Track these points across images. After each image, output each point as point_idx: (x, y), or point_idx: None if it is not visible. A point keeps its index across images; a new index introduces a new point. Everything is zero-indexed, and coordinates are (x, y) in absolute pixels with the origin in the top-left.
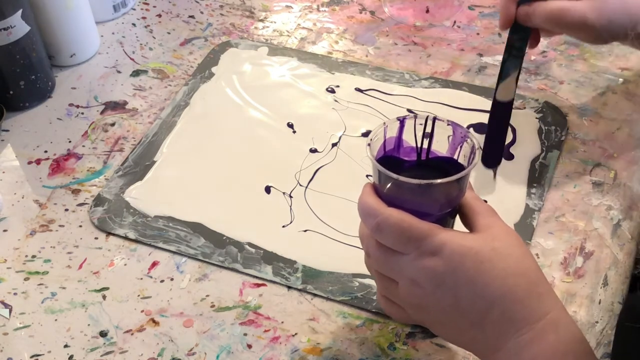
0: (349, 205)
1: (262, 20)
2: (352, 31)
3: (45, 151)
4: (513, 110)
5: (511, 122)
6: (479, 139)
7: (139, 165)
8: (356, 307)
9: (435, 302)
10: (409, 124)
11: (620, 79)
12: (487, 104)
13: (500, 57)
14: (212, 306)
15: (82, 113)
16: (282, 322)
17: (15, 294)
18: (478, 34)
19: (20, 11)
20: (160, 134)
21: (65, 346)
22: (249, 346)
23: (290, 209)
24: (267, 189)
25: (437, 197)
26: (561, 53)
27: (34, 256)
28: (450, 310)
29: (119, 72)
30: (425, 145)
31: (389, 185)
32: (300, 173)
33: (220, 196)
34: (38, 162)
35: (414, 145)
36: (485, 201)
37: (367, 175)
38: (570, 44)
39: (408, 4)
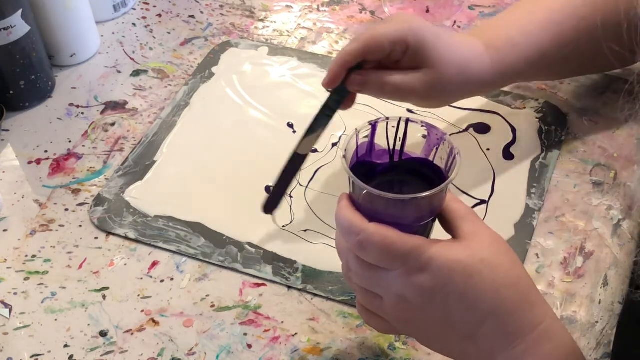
0: None
1: (262, 20)
2: (352, 31)
3: (46, 151)
4: (513, 110)
5: (511, 122)
6: (479, 139)
7: (139, 165)
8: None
9: (424, 317)
10: (381, 127)
11: (620, 79)
12: (487, 104)
13: None
14: (212, 306)
15: (82, 113)
16: (282, 322)
17: (15, 293)
18: None
19: (20, 11)
20: (160, 134)
21: (65, 346)
22: (249, 346)
23: (290, 209)
24: (267, 189)
25: (421, 209)
26: None
27: (34, 256)
28: (440, 325)
29: (119, 72)
30: (398, 147)
31: (369, 198)
32: (300, 173)
33: (220, 196)
34: (38, 162)
35: (387, 147)
36: (482, 203)
37: None
38: None
39: (408, 3)
